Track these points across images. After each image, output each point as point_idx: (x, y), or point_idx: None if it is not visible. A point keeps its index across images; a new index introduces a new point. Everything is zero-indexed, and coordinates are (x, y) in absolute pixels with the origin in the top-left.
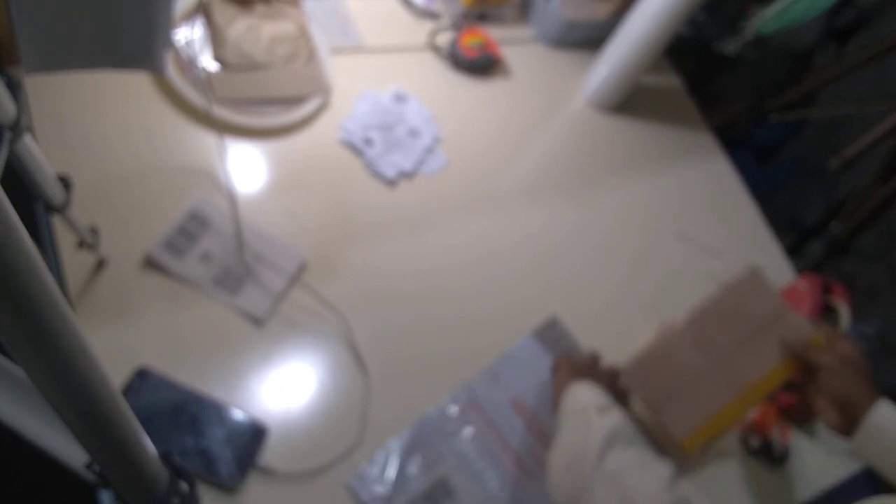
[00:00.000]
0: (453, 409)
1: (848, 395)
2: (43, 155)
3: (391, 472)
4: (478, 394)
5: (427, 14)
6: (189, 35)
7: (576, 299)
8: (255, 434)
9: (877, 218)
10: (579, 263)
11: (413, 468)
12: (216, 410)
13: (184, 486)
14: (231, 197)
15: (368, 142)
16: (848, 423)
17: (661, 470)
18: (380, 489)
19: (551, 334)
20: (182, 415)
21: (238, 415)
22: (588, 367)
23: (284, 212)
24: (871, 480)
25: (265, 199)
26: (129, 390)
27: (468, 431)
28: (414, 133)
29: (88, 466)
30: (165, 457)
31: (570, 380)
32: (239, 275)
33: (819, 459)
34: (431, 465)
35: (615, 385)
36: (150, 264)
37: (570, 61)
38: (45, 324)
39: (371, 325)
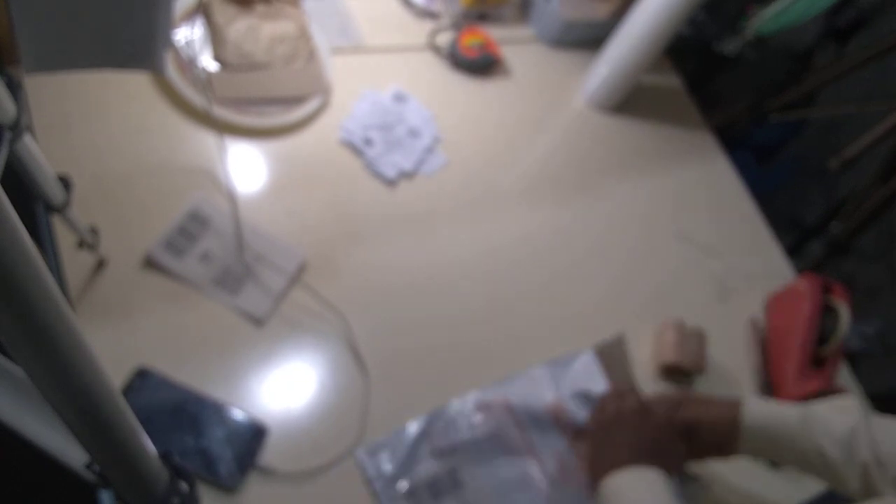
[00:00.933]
0: (478, 403)
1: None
2: (43, 155)
3: (401, 451)
4: (510, 392)
5: (427, 14)
6: (189, 35)
7: (576, 299)
8: (255, 434)
9: (877, 218)
10: (580, 263)
11: (424, 453)
12: (216, 410)
13: (184, 486)
14: (231, 197)
15: (368, 142)
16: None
17: None
18: (387, 466)
19: (612, 354)
20: (182, 415)
21: (238, 415)
22: (641, 434)
23: (284, 212)
24: None
25: (265, 199)
26: (129, 390)
27: (490, 427)
28: (414, 133)
29: (88, 466)
30: (165, 457)
31: (614, 466)
32: (239, 275)
33: None
34: (443, 454)
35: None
36: (150, 264)
37: (570, 61)
38: (45, 324)
39: (371, 324)
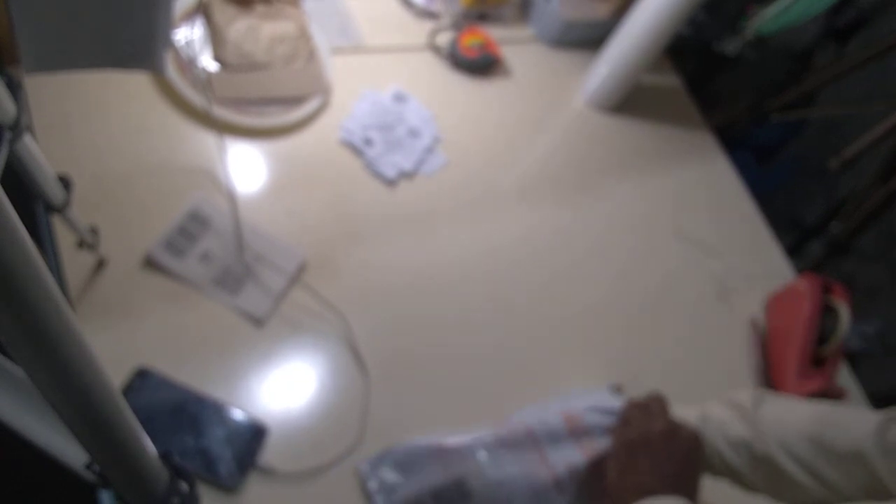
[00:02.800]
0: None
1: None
2: (43, 155)
3: (406, 461)
4: (522, 417)
5: (427, 14)
6: (189, 35)
7: (576, 298)
8: (255, 434)
9: (877, 218)
10: (580, 263)
11: (430, 463)
12: (216, 410)
13: (184, 486)
14: (231, 197)
15: (368, 142)
16: None
17: None
18: (390, 476)
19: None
20: (182, 415)
21: (238, 415)
22: (669, 460)
23: (284, 212)
24: None
25: (265, 199)
26: (129, 390)
27: (500, 436)
28: (414, 133)
29: (88, 466)
30: (165, 457)
31: (640, 492)
32: (239, 275)
33: None
34: (450, 465)
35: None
36: (150, 264)
37: (570, 61)
38: (45, 324)
39: (371, 324)
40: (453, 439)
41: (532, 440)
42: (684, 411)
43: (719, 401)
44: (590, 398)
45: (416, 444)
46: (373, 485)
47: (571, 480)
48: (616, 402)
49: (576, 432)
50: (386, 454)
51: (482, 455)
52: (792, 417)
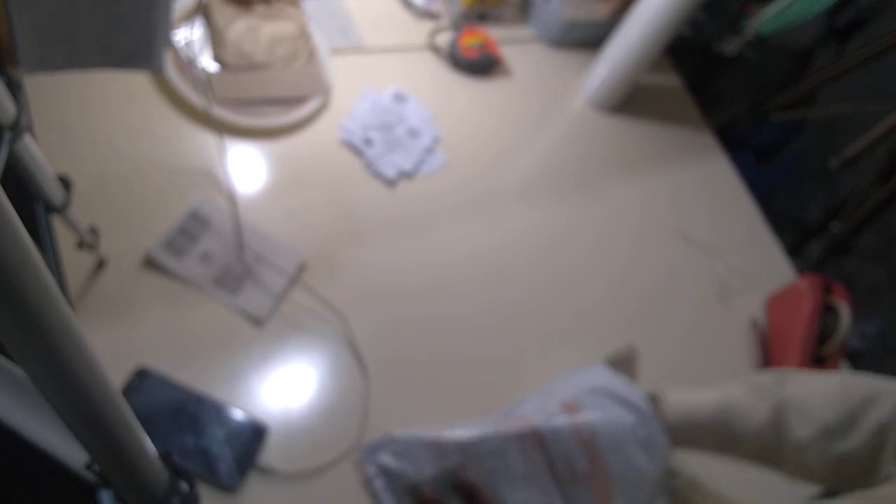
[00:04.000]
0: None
1: None
2: (43, 155)
3: (405, 447)
4: (521, 406)
5: (427, 14)
6: (189, 35)
7: (576, 298)
8: (255, 434)
9: (877, 218)
10: (580, 263)
11: (428, 454)
12: (216, 410)
13: (184, 486)
14: (231, 197)
15: (368, 142)
16: None
17: None
18: (388, 460)
19: (623, 364)
20: (182, 415)
21: (238, 415)
22: None
23: (284, 212)
24: None
25: (265, 200)
26: (129, 390)
27: (499, 427)
28: (414, 133)
29: (88, 466)
30: (165, 457)
31: None
32: (239, 275)
33: None
34: (449, 455)
35: None
36: (150, 264)
37: (570, 61)
38: (45, 324)
39: (371, 324)
40: (453, 432)
41: (532, 432)
42: (699, 396)
43: (740, 384)
44: (591, 377)
45: (415, 435)
46: (370, 469)
47: (565, 465)
48: (624, 388)
49: (574, 419)
50: (385, 442)
51: (481, 447)
52: (817, 389)
